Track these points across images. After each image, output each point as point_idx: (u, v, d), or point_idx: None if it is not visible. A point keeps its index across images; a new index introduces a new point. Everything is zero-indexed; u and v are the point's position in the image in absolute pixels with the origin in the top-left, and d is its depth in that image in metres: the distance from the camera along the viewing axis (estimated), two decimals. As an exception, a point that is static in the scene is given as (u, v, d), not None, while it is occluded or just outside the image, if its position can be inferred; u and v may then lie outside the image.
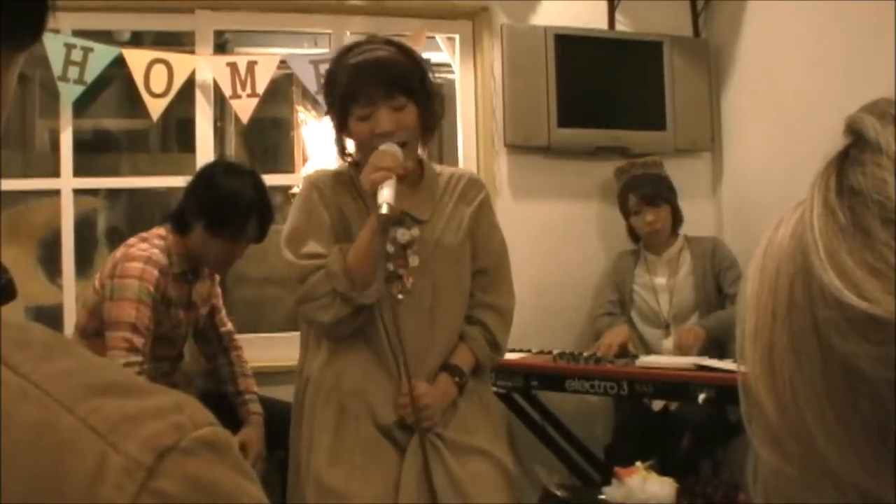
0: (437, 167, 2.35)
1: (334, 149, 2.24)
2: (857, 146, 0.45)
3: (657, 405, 3.31)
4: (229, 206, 2.68)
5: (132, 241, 2.73)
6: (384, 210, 1.91)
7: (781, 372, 0.46)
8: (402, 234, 2.15)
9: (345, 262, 2.04)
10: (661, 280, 3.52)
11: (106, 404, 0.45)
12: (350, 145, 2.22)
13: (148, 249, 2.66)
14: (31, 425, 0.43)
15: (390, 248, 2.14)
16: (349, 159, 2.22)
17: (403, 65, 2.10)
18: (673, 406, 3.25)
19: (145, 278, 2.59)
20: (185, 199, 2.79)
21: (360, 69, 2.07)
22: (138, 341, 2.53)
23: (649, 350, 3.42)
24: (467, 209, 2.24)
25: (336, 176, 2.21)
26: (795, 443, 0.46)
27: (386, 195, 1.92)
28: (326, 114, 2.23)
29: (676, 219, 3.54)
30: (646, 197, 3.46)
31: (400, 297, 2.12)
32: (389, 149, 2.01)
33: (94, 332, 2.67)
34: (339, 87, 2.10)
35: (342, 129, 2.16)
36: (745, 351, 0.48)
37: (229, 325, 3.11)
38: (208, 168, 2.88)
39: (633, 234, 3.62)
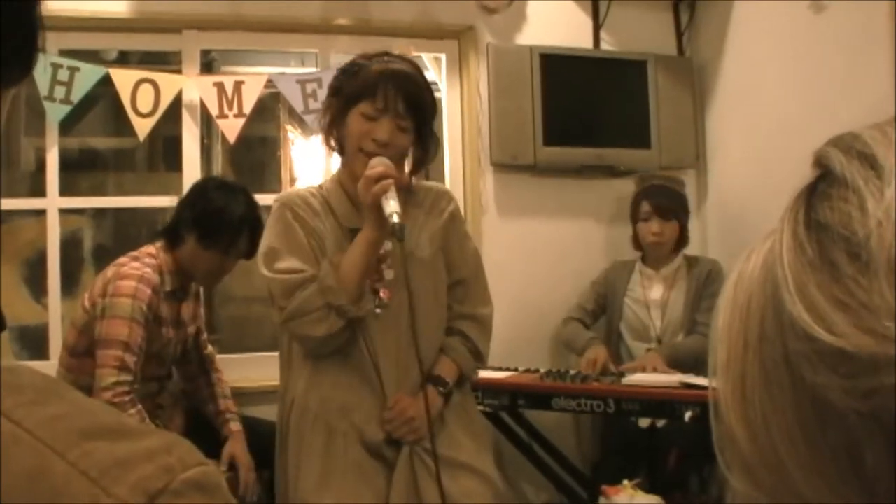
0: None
1: (322, 139, 2.23)
2: (825, 180, 0.45)
3: (644, 422, 3.31)
4: (222, 218, 2.74)
5: (123, 260, 2.75)
6: (395, 219, 1.92)
7: (753, 402, 0.46)
8: None
9: (338, 276, 2.04)
10: (655, 296, 3.51)
11: (97, 448, 0.46)
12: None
13: (140, 268, 2.67)
14: (25, 472, 0.44)
15: None
16: (335, 149, 2.23)
17: (426, 96, 2.16)
18: (660, 423, 3.26)
19: (139, 297, 2.60)
20: (178, 211, 2.83)
21: (390, 73, 2.10)
22: (130, 360, 2.55)
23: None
24: (438, 221, 2.26)
25: (307, 196, 2.22)
26: (767, 472, 0.46)
27: (393, 206, 1.94)
28: (330, 98, 2.20)
29: (682, 237, 3.55)
30: (659, 207, 3.47)
31: (378, 311, 2.12)
32: (381, 161, 2.02)
33: (85, 350, 2.68)
34: (359, 79, 2.11)
35: (335, 121, 2.17)
36: (717, 381, 0.49)
37: (210, 349, 3.12)
38: (202, 183, 2.96)
39: (637, 243, 3.60)
